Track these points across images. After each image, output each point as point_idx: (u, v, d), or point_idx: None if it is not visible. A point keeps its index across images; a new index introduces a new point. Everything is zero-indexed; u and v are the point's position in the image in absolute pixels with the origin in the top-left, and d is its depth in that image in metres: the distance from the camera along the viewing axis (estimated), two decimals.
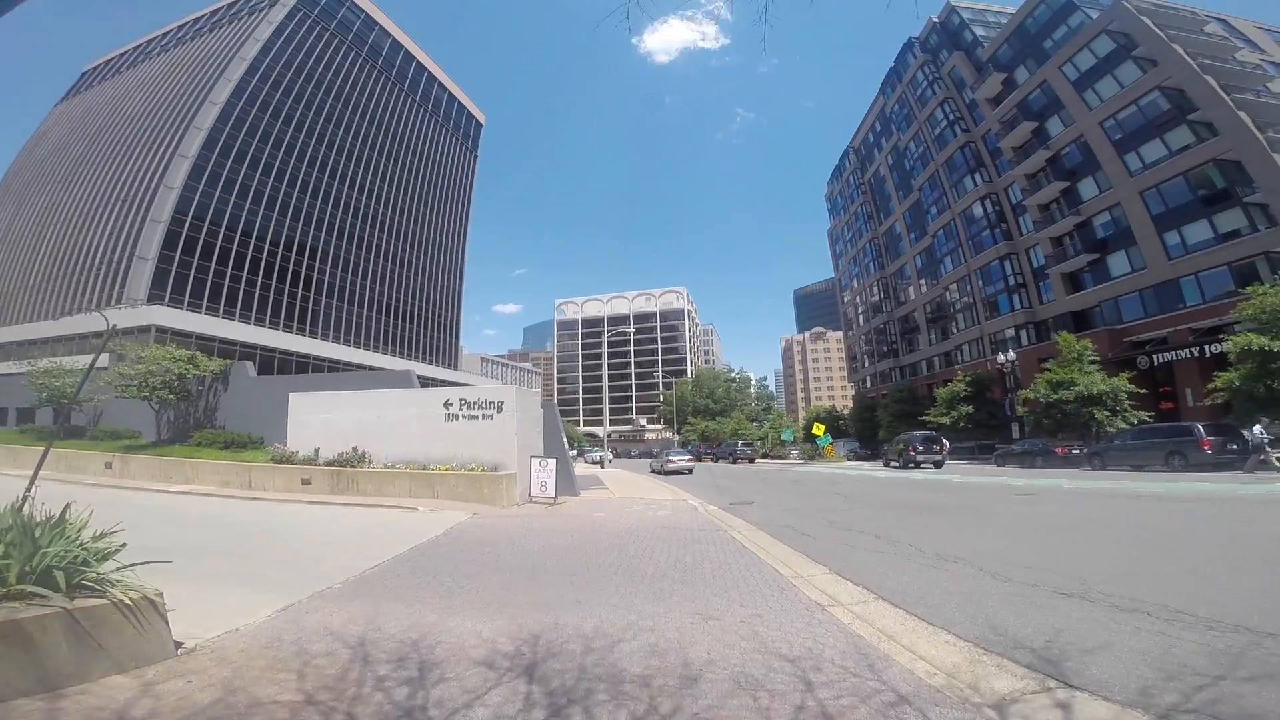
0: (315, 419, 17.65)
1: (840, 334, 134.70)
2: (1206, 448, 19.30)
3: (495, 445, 15.23)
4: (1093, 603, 5.38)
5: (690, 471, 31.55)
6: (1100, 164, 37.87)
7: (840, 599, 6.04)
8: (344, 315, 62.80)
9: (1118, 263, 37.13)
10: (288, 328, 55.18)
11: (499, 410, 15.42)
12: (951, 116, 53.28)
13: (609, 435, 52.68)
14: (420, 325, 75.95)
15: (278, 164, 56.50)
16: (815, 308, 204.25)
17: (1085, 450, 25.44)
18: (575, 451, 63.98)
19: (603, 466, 38.98)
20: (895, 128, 64.13)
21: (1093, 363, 31.32)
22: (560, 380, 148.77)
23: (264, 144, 55.24)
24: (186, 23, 68.77)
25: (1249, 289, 23.71)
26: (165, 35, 69.91)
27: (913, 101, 59.74)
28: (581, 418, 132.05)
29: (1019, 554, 7.82)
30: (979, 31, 52.91)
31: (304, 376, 26.35)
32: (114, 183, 53.03)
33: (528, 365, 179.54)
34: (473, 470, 14.74)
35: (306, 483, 16.00)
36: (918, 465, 30.20)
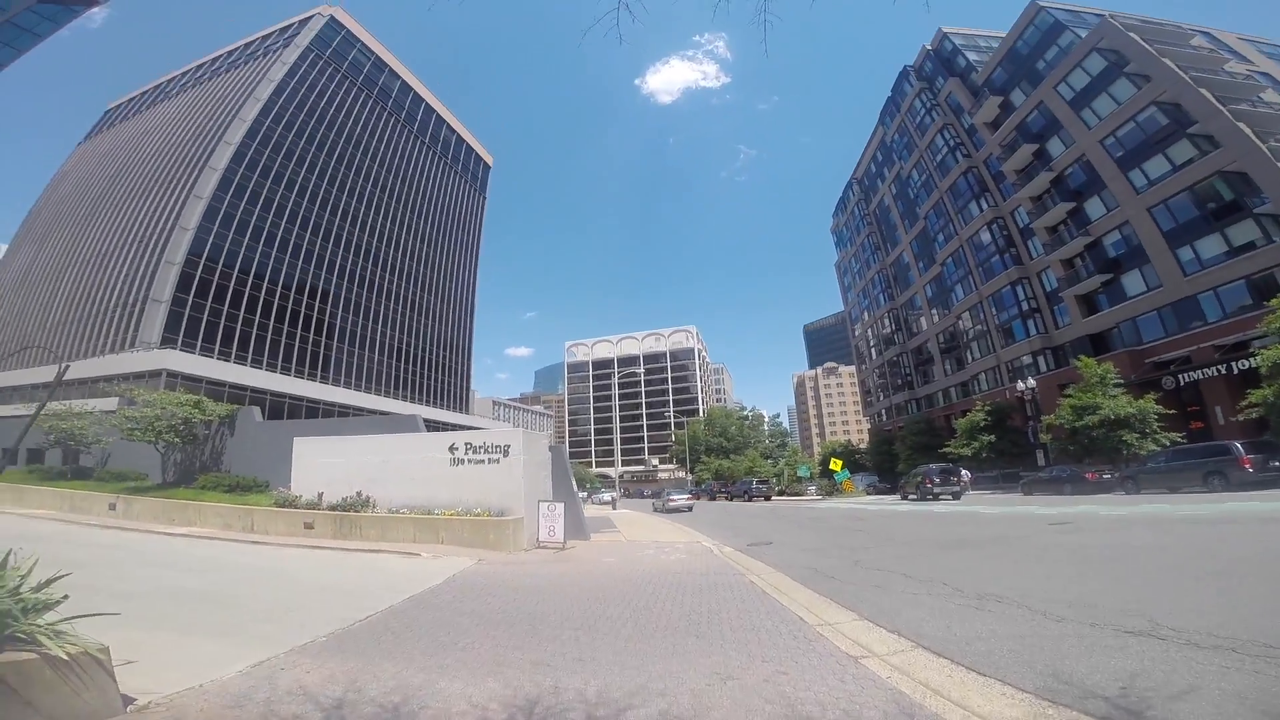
0: (319, 463, 17.31)
1: (852, 368, 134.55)
2: (1247, 466, 18.37)
3: (501, 489, 14.73)
4: (1165, 641, 4.76)
5: (690, 509, 32.87)
6: (1105, 182, 37.53)
7: (875, 649, 5.44)
8: (354, 360, 62.75)
9: (1132, 282, 36.40)
10: (299, 373, 55.21)
11: (505, 454, 14.98)
12: (952, 142, 53.48)
13: (621, 476, 51.72)
14: (431, 369, 75.82)
15: (290, 205, 57.22)
16: (826, 342, 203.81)
17: (1117, 474, 24.41)
18: (585, 493, 63.11)
19: (614, 508, 38.07)
20: (897, 156, 64.50)
21: (1116, 385, 30.44)
22: (572, 422, 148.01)
23: (276, 185, 55.94)
24: (205, 62, 71.06)
25: (1272, 302, 23.02)
26: (185, 74, 71.95)
27: (912, 129, 60.22)
28: (594, 459, 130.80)
29: (1069, 589, 7.15)
30: (971, 56, 53.49)
31: (310, 422, 26.19)
32: (131, 223, 53.43)
33: (539, 408, 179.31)
34: (478, 515, 14.20)
35: (309, 527, 15.52)
36: (935, 498, 29.84)
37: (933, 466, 32.48)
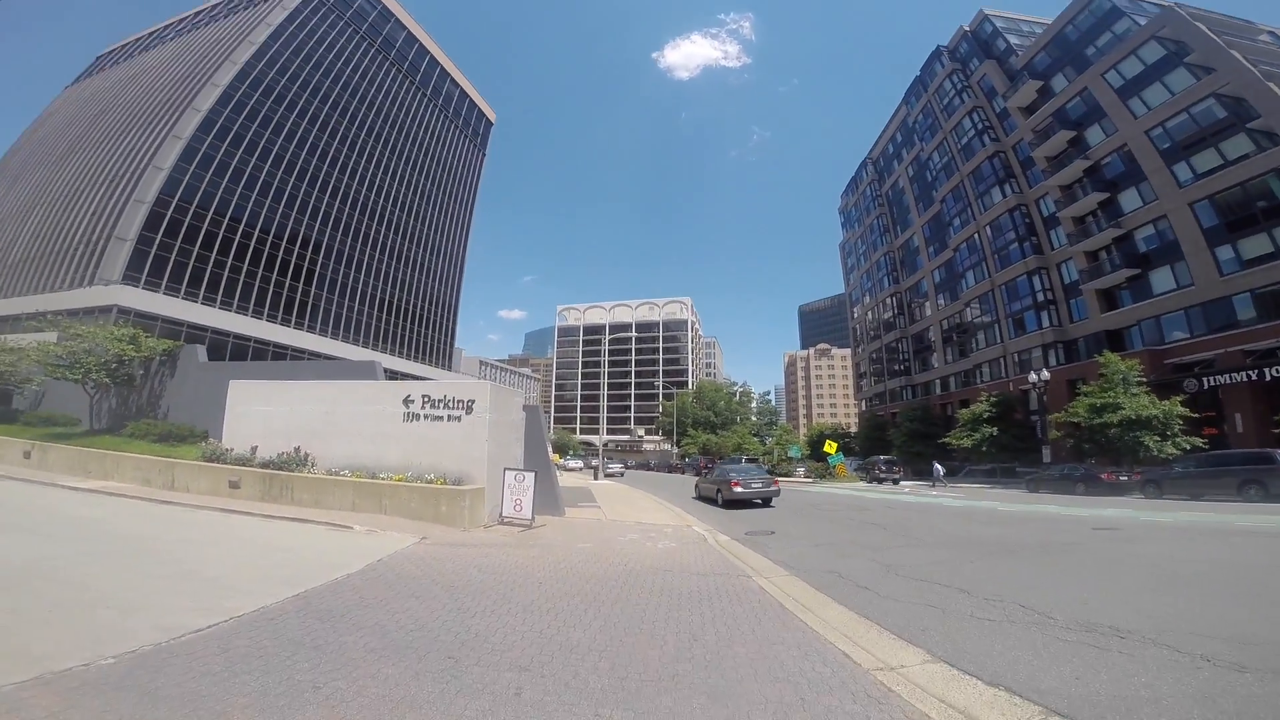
0: (256, 411, 14.97)
1: (845, 351, 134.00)
2: None
3: (461, 453, 12.48)
4: None
5: (622, 475, 37.94)
6: (1145, 174, 35.07)
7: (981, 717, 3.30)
8: (336, 308, 59.96)
9: (1161, 279, 34.22)
10: (272, 317, 52.19)
11: (468, 411, 12.67)
12: (980, 126, 50.69)
13: (605, 445, 49.84)
14: (415, 323, 73.21)
15: (276, 151, 54.14)
16: (819, 325, 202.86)
17: (1135, 477, 22.70)
18: (579, 461, 61.48)
19: (596, 478, 36.23)
20: (918, 138, 61.63)
21: (1139, 384, 28.71)
22: (559, 387, 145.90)
23: (263, 129, 52.97)
24: (204, 9, 67.35)
25: None
26: (182, 20, 68.40)
27: (938, 111, 57.28)
28: (579, 425, 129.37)
29: (1198, 618, 5.21)
30: (1012, 40, 50.53)
31: (257, 364, 23.56)
32: (105, 162, 50.81)
33: (527, 371, 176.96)
34: (431, 483, 11.97)
35: (235, 486, 13.26)
36: (880, 481, 35.94)
37: (881, 457, 42.17)
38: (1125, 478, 23.07)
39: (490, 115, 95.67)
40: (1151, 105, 35.19)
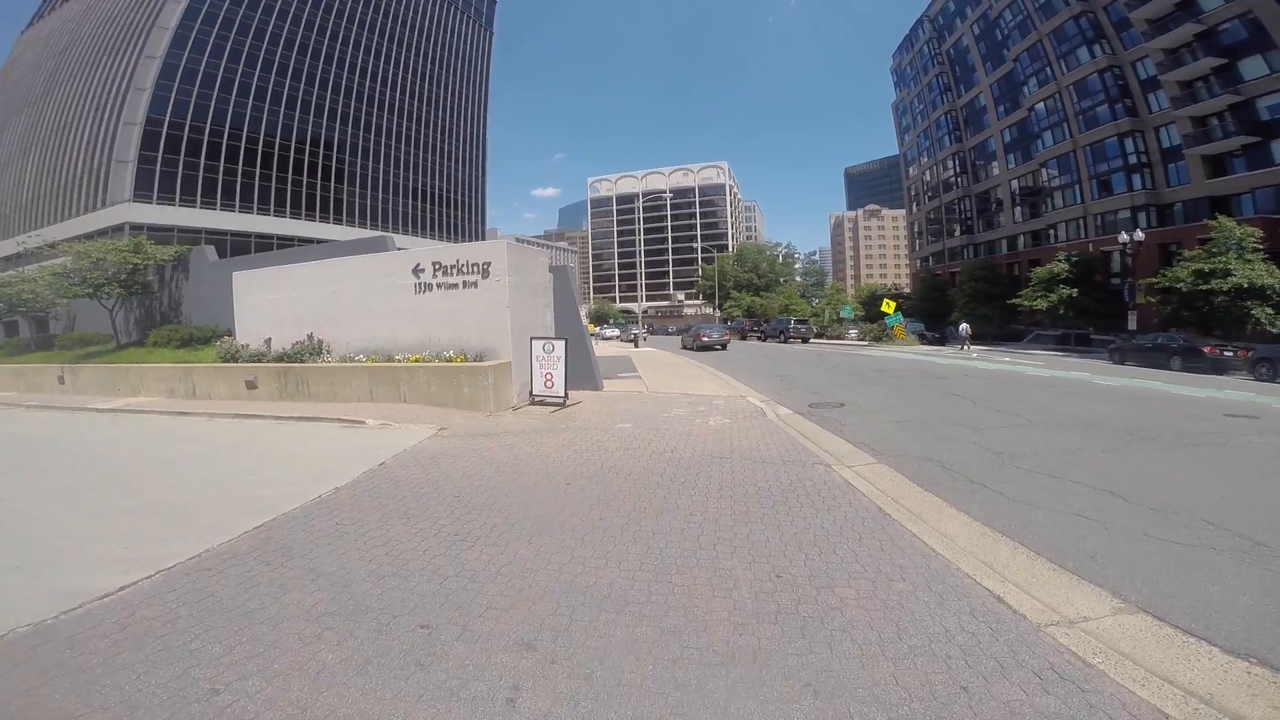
0: (263, 300, 13.84)
1: (896, 212, 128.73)
2: None
3: (481, 324, 11.00)
4: None
5: (724, 347, 31.14)
6: (1275, 43, 30.35)
7: None
8: (358, 200, 59.44)
9: None
10: (295, 214, 52.07)
11: (484, 275, 11.00)
12: None
13: (645, 311, 48.60)
14: (445, 206, 72.07)
15: (263, 55, 52.25)
16: (867, 187, 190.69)
17: (1247, 355, 18.79)
18: (616, 329, 61.28)
19: (636, 346, 35.18)
20: None
21: (1255, 250, 25.36)
22: (595, 258, 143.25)
23: (243, 35, 50.84)
24: None
25: None
26: None
27: None
28: (618, 294, 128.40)
29: None
30: None
31: (264, 255, 22.66)
32: (86, 93, 50.67)
33: (563, 244, 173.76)
34: (450, 361, 10.68)
35: (252, 386, 12.43)
36: (787, 339, 38.69)
37: (790, 319, 43.82)
38: (1230, 353, 19.87)
39: None
40: None
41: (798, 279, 78.41)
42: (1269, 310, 23.79)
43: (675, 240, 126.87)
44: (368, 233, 56.08)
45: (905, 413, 10.02)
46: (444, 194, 72.34)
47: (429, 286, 11.51)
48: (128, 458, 7.80)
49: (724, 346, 31.31)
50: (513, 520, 4.60)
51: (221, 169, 48.32)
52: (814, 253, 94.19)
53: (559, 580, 3.53)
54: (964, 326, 33.99)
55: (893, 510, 4.73)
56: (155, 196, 43.89)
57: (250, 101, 51.09)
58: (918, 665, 2.64)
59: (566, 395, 10.75)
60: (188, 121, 46.85)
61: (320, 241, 51.11)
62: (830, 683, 2.52)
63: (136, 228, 38.60)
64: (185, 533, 4.58)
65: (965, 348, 31.77)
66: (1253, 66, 32.82)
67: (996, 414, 9.76)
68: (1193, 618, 3.14)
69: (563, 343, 10.77)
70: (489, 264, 10.97)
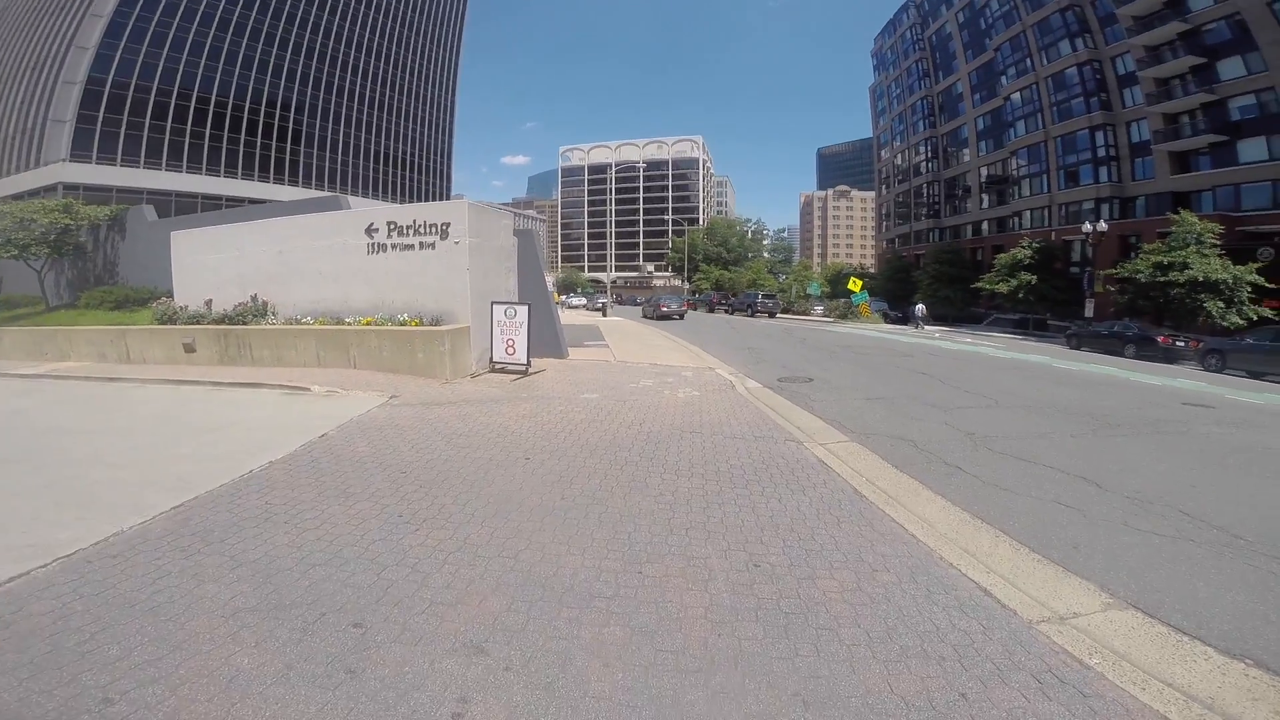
0: (205, 261, 12.82)
1: (865, 194, 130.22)
2: None
3: (439, 286, 10.36)
4: None
5: (682, 317, 33.16)
6: (1259, 45, 31.25)
7: None
8: (315, 161, 57.10)
9: (1252, 149, 31.95)
10: (247, 175, 49.90)
11: (442, 235, 10.32)
12: None
13: (614, 282, 47.92)
14: (408, 169, 69.78)
15: (219, 14, 49.57)
16: (838, 168, 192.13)
17: (1198, 346, 19.49)
18: (582, 298, 60.56)
19: (604, 314, 34.82)
20: None
21: (1212, 246, 26.22)
22: (565, 227, 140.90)
23: None
24: None
25: None
26: None
27: None
28: (587, 264, 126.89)
29: None
30: None
31: (208, 215, 21.43)
32: (23, 53, 48.27)
33: (532, 213, 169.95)
34: (404, 324, 10.07)
35: (190, 349, 11.56)
36: (754, 314, 38.95)
37: (758, 294, 43.21)
38: (1182, 343, 20.56)
39: None
40: None
41: (766, 255, 79.09)
42: (1220, 304, 24.73)
43: (647, 212, 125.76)
44: (324, 194, 54.01)
45: (874, 390, 9.92)
46: (406, 157, 70.11)
47: (383, 247, 10.78)
48: (42, 429, 7.05)
49: (681, 317, 33.02)
50: (464, 500, 4.20)
51: (169, 129, 46.45)
52: (783, 230, 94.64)
53: (515, 570, 3.17)
54: (919, 307, 34.99)
55: (869, 492, 4.50)
56: (95, 156, 42.39)
57: (203, 61, 48.99)
58: (911, 669, 2.39)
59: (529, 363, 10.29)
60: (133, 81, 44.94)
61: (272, 203, 49.60)
62: (820, 691, 2.24)
63: (72, 187, 37.15)
64: (93, 514, 4.04)
65: (920, 326, 32.57)
66: (1231, 67, 33.83)
67: (964, 394, 9.72)
68: (1183, 614, 3.00)
69: (526, 308, 10.26)
70: (448, 224, 10.30)
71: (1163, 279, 26.24)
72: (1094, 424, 7.67)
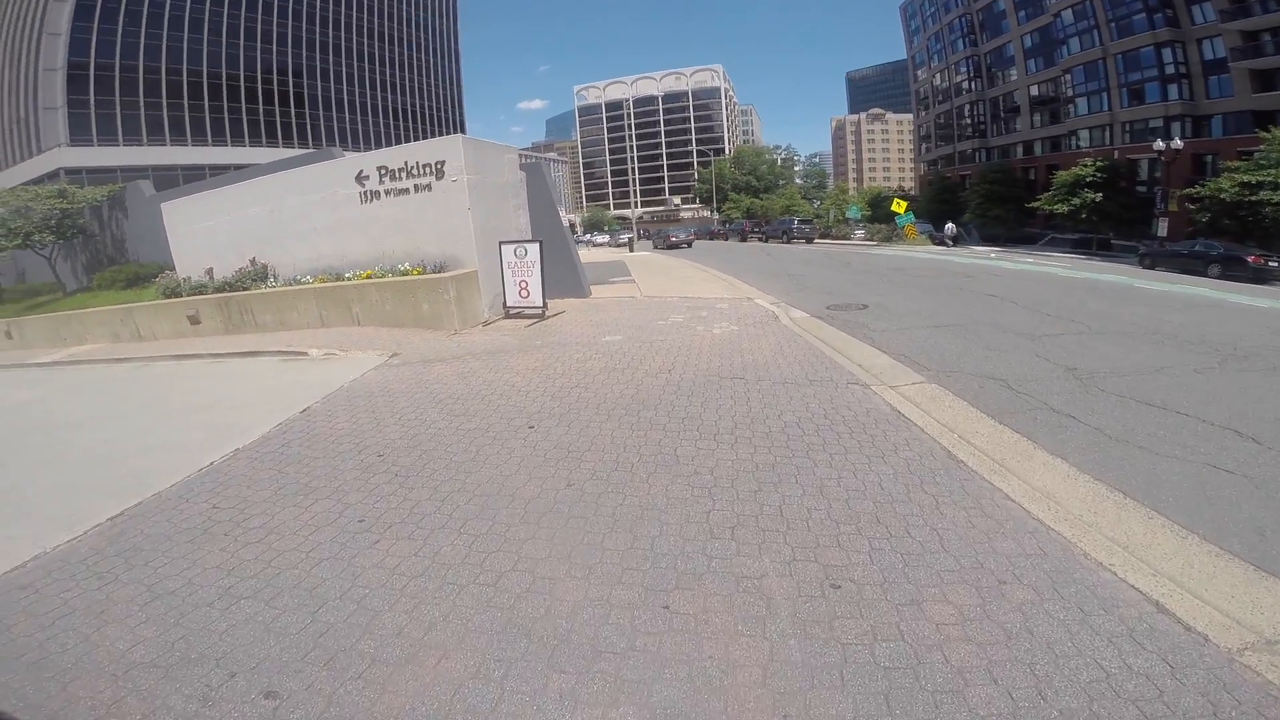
0: (199, 228, 12.23)
1: (901, 116, 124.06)
2: None
3: (440, 230, 9.38)
4: None
5: (690, 245, 34.95)
6: None
7: None
8: (322, 123, 56.37)
9: None
10: (255, 143, 48.96)
11: (438, 175, 9.26)
12: None
13: (640, 218, 46.19)
14: (415, 120, 68.31)
15: None
16: (869, 92, 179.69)
17: None
18: (606, 236, 59.15)
19: (630, 250, 33.51)
20: None
21: None
22: (587, 167, 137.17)
23: None
24: None
25: None
26: None
27: None
28: (611, 202, 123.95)
29: None
30: None
31: (200, 184, 20.71)
32: (4, 44, 47.05)
33: (552, 155, 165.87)
34: (406, 274, 9.21)
35: (195, 321, 11.04)
36: (790, 239, 37.25)
37: (792, 219, 43.02)
38: (1276, 263, 18.78)
39: None
40: None
41: (798, 181, 75.57)
42: None
43: (669, 146, 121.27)
44: (311, 151, 53.94)
45: (940, 316, 8.64)
46: (415, 109, 68.52)
47: (375, 194, 9.81)
48: (30, 426, 6.55)
49: (689, 245, 35.21)
50: (445, 493, 3.35)
51: (165, 104, 45.75)
52: (815, 155, 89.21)
53: (493, 605, 2.30)
54: (949, 225, 34.07)
55: (966, 455, 3.46)
56: (95, 139, 42.10)
57: (186, 34, 47.81)
58: None
59: (546, 305, 9.36)
60: (117, 60, 44.04)
61: (255, 165, 49.58)
62: None
63: (73, 171, 36.89)
64: (22, 532, 3.39)
65: (950, 245, 31.56)
66: None
67: (1047, 319, 8.36)
68: None
69: (537, 245, 9.24)
70: (442, 163, 9.20)
71: (1251, 198, 24.94)
72: (1217, 355, 6.30)
